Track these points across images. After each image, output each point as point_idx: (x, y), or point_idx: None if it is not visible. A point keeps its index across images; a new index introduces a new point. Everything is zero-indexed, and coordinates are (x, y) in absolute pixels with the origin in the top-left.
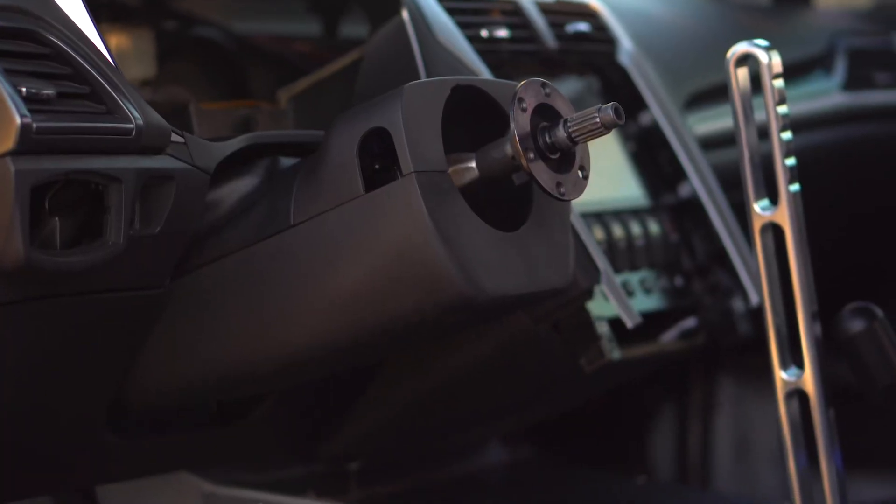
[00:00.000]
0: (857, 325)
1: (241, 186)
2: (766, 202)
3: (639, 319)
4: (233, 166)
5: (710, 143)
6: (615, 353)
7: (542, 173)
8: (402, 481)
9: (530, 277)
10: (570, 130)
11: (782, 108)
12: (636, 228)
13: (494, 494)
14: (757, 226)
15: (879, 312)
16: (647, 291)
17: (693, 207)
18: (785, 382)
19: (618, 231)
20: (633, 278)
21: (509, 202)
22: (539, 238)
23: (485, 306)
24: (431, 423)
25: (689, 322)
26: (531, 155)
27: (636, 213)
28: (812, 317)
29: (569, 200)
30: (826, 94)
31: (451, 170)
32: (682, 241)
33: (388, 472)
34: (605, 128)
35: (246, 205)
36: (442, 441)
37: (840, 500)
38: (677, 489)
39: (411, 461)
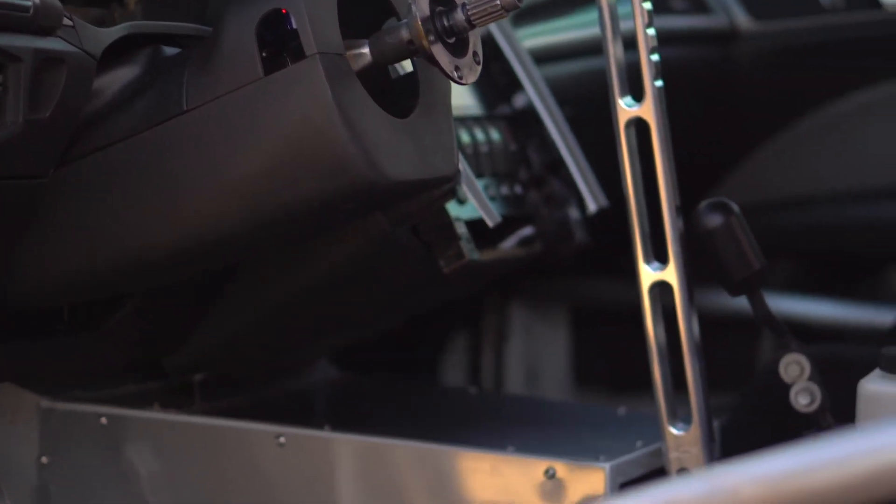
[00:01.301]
0: (714, 220)
1: (124, 74)
2: (629, 99)
3: (499, 219)
4: (115, 55)
5: (540, 58)
6: (474, 254)
7: (442, 56)
8: (243, 395)
9: (424, 165)
10: (468, 13)
11: (647, 4)
12: (480, 135)
13: (329, 407)
14: (622, 121)
15: (735, 207)
16: (492, 199)
17: (528, 118)
18: (649, 276)
19: (465, 136)
20: (479, 184)
21: (391, 92)
22: (427, 127)
23: (385, 191)
24: (284, 335)
25: (527, 230)
26: (431, 37)
27: (478, 120)
28: (675, 211)
29: (465, 84)
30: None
31: (346, 54)
32: (519, 151)
33: (230, 385)
34: (504, 10)
35: (130, 93)
36: (285, 356)
37: (702, 391)
38: (508, 397)
39: (252, 375)
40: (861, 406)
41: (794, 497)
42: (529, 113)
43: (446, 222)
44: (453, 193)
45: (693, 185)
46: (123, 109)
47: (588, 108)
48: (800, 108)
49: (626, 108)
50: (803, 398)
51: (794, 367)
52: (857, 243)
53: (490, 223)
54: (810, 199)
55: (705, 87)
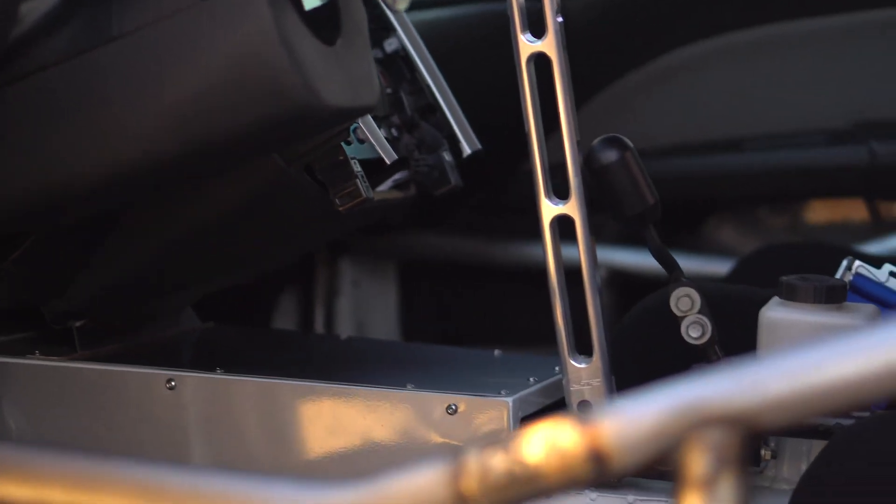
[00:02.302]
0: (610, 155)
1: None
2: (530, 35)
3: (395, 157)
4: None
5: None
6: (370, 193)
7: None
8: (122, 341)
9: (353, 92)
10: None
11: None
12: None
13: (214, 352)
14: (523, 56)
15: (630, 143)
16: (360, 142)
17: (401, 63)
18: (550, 210)
19: None
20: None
21: (314, 21)
22: (350, 56)
23: (321, 118)
24: (171, 278)
25: (402, 174)
26: None
27: None
28: (576, 145)
29: (399, 11)
30: None
31: None
32: (392, 95)
33: (108, 332)
34: None
35: (52, 20)
36: (169, 300)
37: (602, 324)
38: (381, 341)
39: (130, 322)
40: (762, 333)
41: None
42: (402, 57)
43: (342, 160)
44: (348, 131)
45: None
46: (53, 34)
47: (459, 52)
48: (629, 62)
49: (527, 43)
50: (694, 331)
51: (686, 301)
52: (686, 195)
53: (388, 160)
54: (640, 152)
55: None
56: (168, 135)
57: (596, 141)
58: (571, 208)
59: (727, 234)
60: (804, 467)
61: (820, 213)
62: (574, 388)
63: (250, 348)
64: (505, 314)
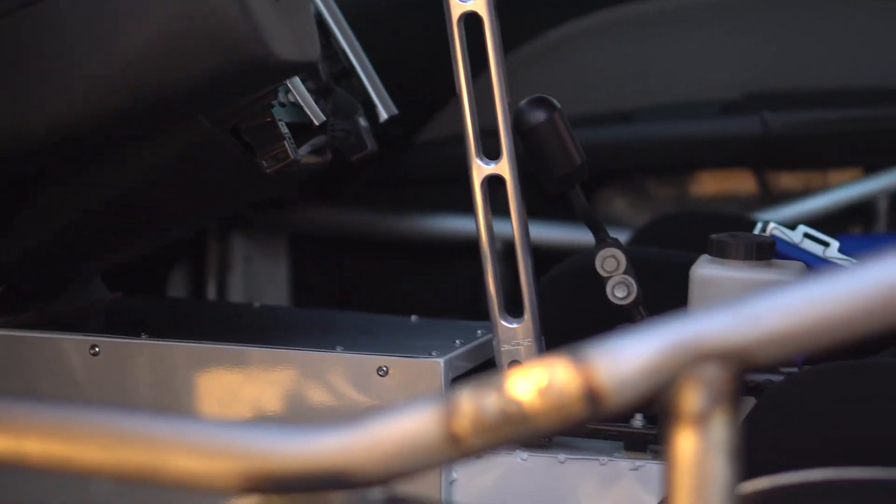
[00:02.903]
0: (538, 116)
1: None
2: None
3: (324, 118)
4: None
5: None
6: (297, 154)
7: None
8: (37, 309)
9: (298, 47)
10: None
11: None
12: None
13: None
14: (454, 15)
15: (557, 104)
16: (282, 106)
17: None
18: (481, 170)
19: None
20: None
21: None
22: (293, 10)
23: (271, 71)
24: (95, 242)
25: (318, 139)
26: None
27: None
28: (506, 105)
29: None
30: None
31: None
32: None
33: (25, 299)
34: None
35: None
36: (91, 266)
37: (532, 284)
38: (295, 309)
39: (48, 288)
40: (693, 290)
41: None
42: (317, 22)
43: (270, 122)
44: (276, 92)
45: (414, 116)
46: None
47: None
48: (519, 36)
49: (458, 2)
50: (620, 291)
51: (611, 261)
52: None
53: (316, 122)
54: None
55: (425, 12)
56: (118, 88)
57: (523, 102)
58: (502, 168)
59: (618, 205)
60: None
61: (712, 183)
62: (505, 348)
63: (170, 316)
64: (398, 287)
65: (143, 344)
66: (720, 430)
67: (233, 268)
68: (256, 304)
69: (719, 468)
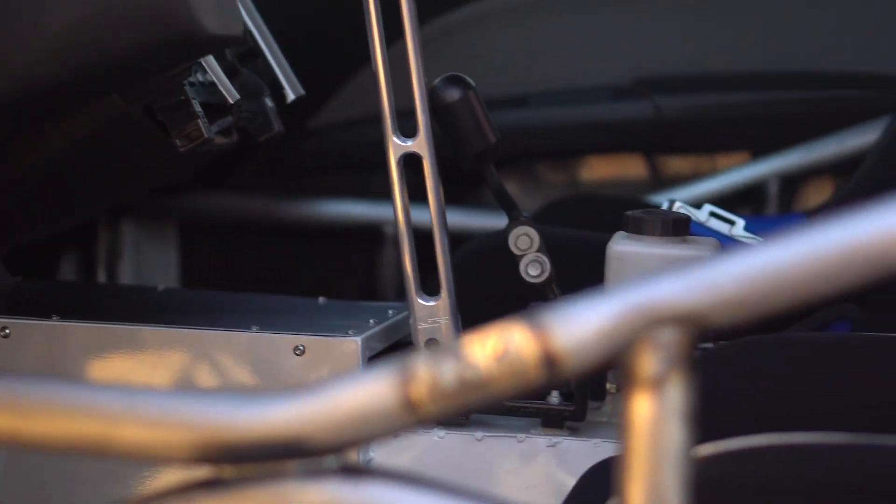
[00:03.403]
0: (453, 94)
1: None
2: None
3: (237, 97)
4: None
5: None
6: (211, 132)
7: None
8: None
9: (224, 21)
10: None
11: None
12: None
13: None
14: None
15: (472, 82)
16: (191, 86)
17: None
18: (398, 148)
19: None
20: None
21: None
22: None
23: (199, 45)
24: (5, 217)
25: (224, 121)
26: None
27: None
28: (423, 83)
29: None
30: None
31: None
32: None
33: None
34: None
35: None
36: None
37: (449, 262)
38: (202, 291)
39: None
40: (610, 266)
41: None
42: None
43: (184, 100)
44: (191, 70)
45: (304, 103)
46: None
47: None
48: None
49: None
50: (533, 269)
51: (525, 240)
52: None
53: (231, 100)
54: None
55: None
56: (46, 60)
57: (438, 80)
58: (419, 146)
59: (511, 189)
60: None
61: (604, 168)
62: (422, 326)
63: (79, 298)
64: (290, 274)
65: (56, 325)
66: (676, 393)
67: (122, 254)
68: (161, 287)
69: (675, 432)
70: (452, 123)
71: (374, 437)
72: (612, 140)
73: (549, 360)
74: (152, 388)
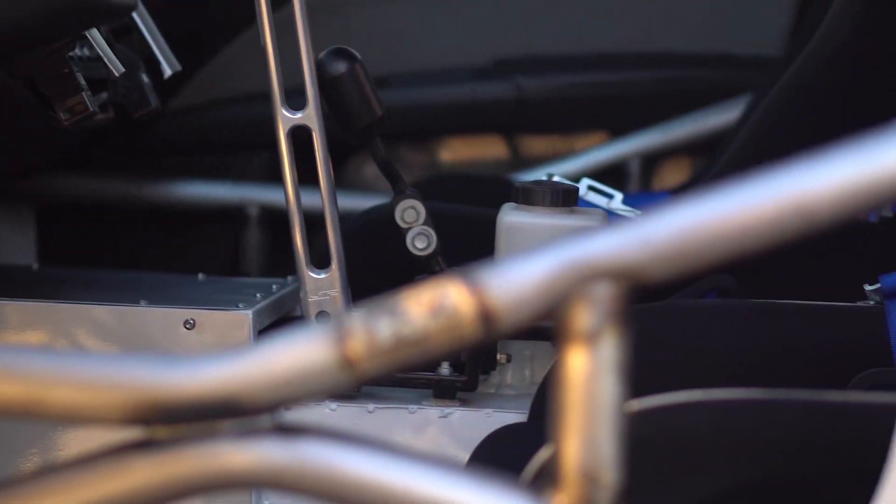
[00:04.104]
0: (339, 67)
1: None
2: None
3: (122, 69)
4: None
5: None
6: (95, 106)
7: None
8: None
9: None
10: None
11: None
12: None
13: None
14: None
15: (357, 55)
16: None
17: None
18: (287, 120)
19: None
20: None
21: None
22: None
23: (96, 11)
24: None
25: (101, 96)
26: None
27: None
28: (311, 56)
29: None
30: None
31: None
32: None
33: None
34: None
35: None
36: None
37: (338, 234)
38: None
39: None
40: (501, 237)
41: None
42: None
43: (68, 73)
44: (74, 44)
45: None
46: None
47: None
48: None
49: None
50: (420, 242)
51: (411, 212)
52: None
53: (116, 73)
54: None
55: None
56: None
57: (323, 53)
58: (308, 118)
59: (370, 171)
60: (527, 372)
61: (466, 148)
62: (313, 298)
63: None
64: (153, 256)
65: None
66: (610, 348)
67: None
68: (35, 266)
69: (609, 386)
70: (339, 96)
71: (310, 395)
72: (472, 121)
73: (486, 316)
74: (81, 351)
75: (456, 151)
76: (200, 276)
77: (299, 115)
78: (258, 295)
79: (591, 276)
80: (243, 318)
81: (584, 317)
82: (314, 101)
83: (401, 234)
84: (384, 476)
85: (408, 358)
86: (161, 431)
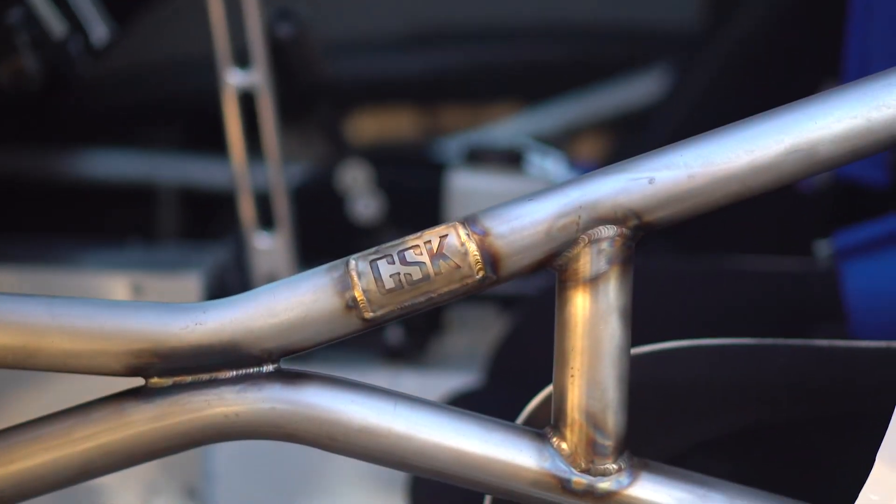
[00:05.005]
0: (286, 28)
1: None
2: None
3: (64, 31)
4: None
5: None
6: (35, 66)
7: None
8: None
9: None
10: None
11: None
12: None
13: None
14: None
15: (305, 15)
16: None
17: None
18: (234, 78)
19: None
20: None
21: None
22: None
23: None
24: None
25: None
26: None
27: None
28: (258, 15)
29: None
30: None
31: None
32: None
33: None
34: None
35: None
36: None
37: (285, 197)
38: None
39: None
40: (451, 198)
41: None
42: None
43: (7, 34)
44: (9, 4)
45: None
46: None
47: None
48: None
49: None
50: (365, 205)
51: (357, 176)
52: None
53: (56, 35)
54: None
55: None
56: None
57: (271, 12)
58: (255, 77)
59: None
60: (474, 336)
61: (380, 120)
62: (260, 260)
63: None
64: (62, 228)
65: None
66: (614, 290)
67: None
68: None
69: (614, 327)
70: (287, 57)
71: (315, 341)
72: (387, 92)
73: (491, 260)
74: (78, 298)
75: (371, 124)
76: (135, 243)
77: (245, 74)
78: (204, 258)
79: (596, 218)
80: (193, 281)
81: (588, 260)
82: (260, 61)
83: (341, 199)
84: (389, 421)
85: (413, 302)
86: (157, 383)
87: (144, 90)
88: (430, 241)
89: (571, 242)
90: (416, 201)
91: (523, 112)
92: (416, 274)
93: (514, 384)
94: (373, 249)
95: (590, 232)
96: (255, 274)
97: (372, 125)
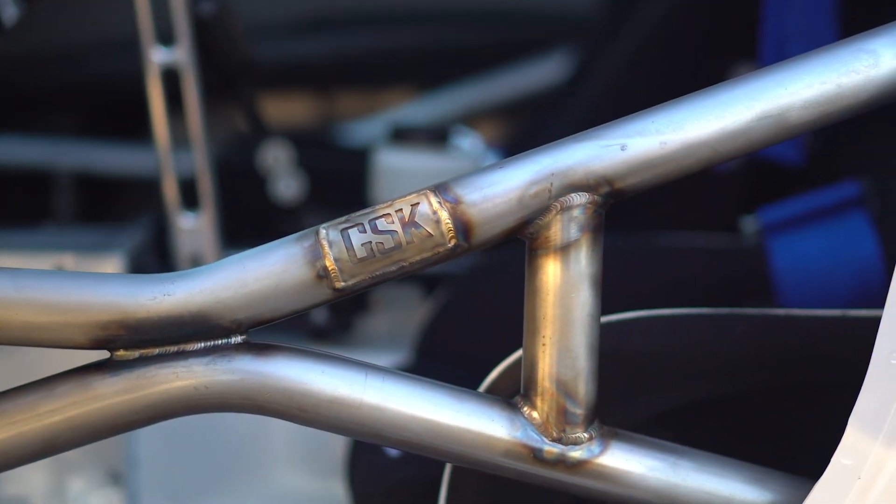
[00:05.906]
0: (208, 8)
1: None
2: None
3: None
4: None
5: None
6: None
7: None
8: None
9: None
10: None
11: None
12: None
13: None
14: None
15: None
16: None
17: None
18: (157, 55)
19: None
20: None
21: None
22: None
23: None
24: None
25: None
26: None
27: None
28: None
29: None
30: None
31: None
32: None
33: None
34: None
35: None
36: None
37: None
38: None
39: None
40: (378, 177)
41: None
42: None
43: None
44: None
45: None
46: None
47: None
48: None
49: None
50: (286, 186)
51: (278, 157)
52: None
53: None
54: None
55: None
56: None
57: None
58: (178, 54)
59: None
60: (398, 314)
61: (279, 105)
62: (184, 240)
63: None
64: None
65: None
66: (586, 258)
67: None
68: None
69: (585, 296)
70: (210, 37)
71: (285, 311)
72: (288, 77)
73: (463, 228)
74: (43, 271)
75: (270, 108)
76: (48, 225)
77: (169, 51)
78: (124, 238)
79: (568, 185)
80: (117, 260)
81: (559, 228)
82: (185, 37)
83: (262, 179)
84: (360, 392)
85: (385, 271)
86: (123, 355)
87: (46, 76)
88: (401, 210)
89: (543, 210)
90: (339, 182)
91: (421, 97)
92: (388, 243)
93: (443, 362)
94: (343, 218)
95: (561, 199)
96: (178, 254)
97: (268, 110)
